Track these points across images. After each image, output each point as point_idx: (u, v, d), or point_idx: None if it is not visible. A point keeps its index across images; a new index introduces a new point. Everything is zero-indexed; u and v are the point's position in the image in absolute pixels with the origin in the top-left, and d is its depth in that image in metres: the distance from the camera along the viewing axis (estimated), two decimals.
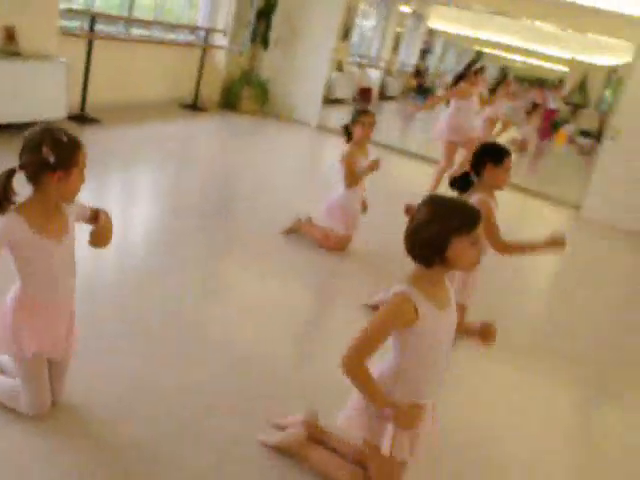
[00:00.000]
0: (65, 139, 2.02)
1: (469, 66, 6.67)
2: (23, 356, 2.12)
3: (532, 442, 2.88)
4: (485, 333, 2.18)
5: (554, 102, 15.52)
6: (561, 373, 3.68)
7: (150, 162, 5.98)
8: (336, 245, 4.56)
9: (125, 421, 2.32)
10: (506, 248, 3.25)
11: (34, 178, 2.01)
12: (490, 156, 3.21)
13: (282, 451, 2.31)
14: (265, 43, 9.24)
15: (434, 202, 1.96)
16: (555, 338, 4.17)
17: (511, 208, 7.32)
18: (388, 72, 17.36)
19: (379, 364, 2.05)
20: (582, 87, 19.43)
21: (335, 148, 9.27)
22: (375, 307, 3.75)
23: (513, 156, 3.36)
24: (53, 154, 1.97)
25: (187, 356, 2.87)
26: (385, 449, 1.97)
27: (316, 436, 2.36)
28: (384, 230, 5.43)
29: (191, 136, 7.68)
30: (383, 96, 16.65)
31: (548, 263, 5.99)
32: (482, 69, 6.59)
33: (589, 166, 11.66)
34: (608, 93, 18.75)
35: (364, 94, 14.65)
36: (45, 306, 2.13)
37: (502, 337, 3.30)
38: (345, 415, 2.09)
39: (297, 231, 4.66)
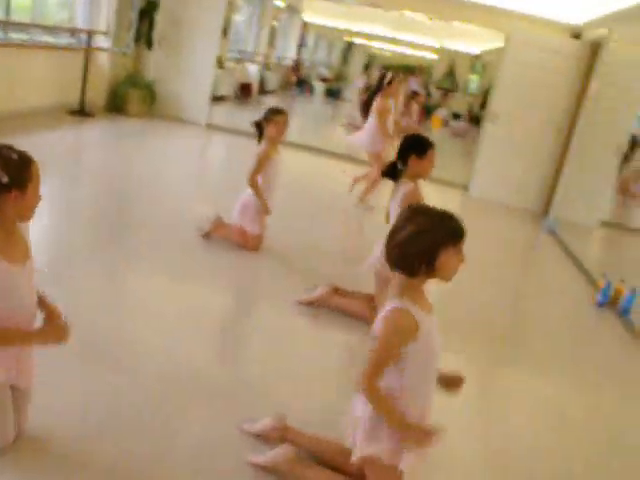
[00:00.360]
0: (15, 156, 1.98)
1: (382, 79, 6.93)
2: None
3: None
4: (453, 382, 2.27)
5: (419, 88, 16.21)
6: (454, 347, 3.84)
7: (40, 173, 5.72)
8: (253, 245, 4.59)
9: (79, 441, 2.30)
10: None
11: None
12: (414, 148, 3.43)
13: (270, 471, 2.26)
14: (149, 43, 9.06)
15: (422, 214, 2.01)
16: (449, 314, 4.41)
17: None
18: (266, 66, 17.45)
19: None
20: (451, 73, 20.48)
21: (227, 146, 9.31)
22: (309, 303, 3.83)
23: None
24: (5, 174, 1.93)
25: (111, 364, 2.81)
26: (400, 471, 2.02)
27: (289, 438, 2.36)
28: (293, 227, 5.51)
29: (80, 143, 7.43)
30: (263, 91, 16.71)
31: None
32: (393, 78, 6.89)
33: (466, 147, 12.36)
34: (473, 78, 19.90)
35: (244, 90, 14.67)
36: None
37: None
38: (362, 442, 2.08)
39: (215, 232, 4.64)
